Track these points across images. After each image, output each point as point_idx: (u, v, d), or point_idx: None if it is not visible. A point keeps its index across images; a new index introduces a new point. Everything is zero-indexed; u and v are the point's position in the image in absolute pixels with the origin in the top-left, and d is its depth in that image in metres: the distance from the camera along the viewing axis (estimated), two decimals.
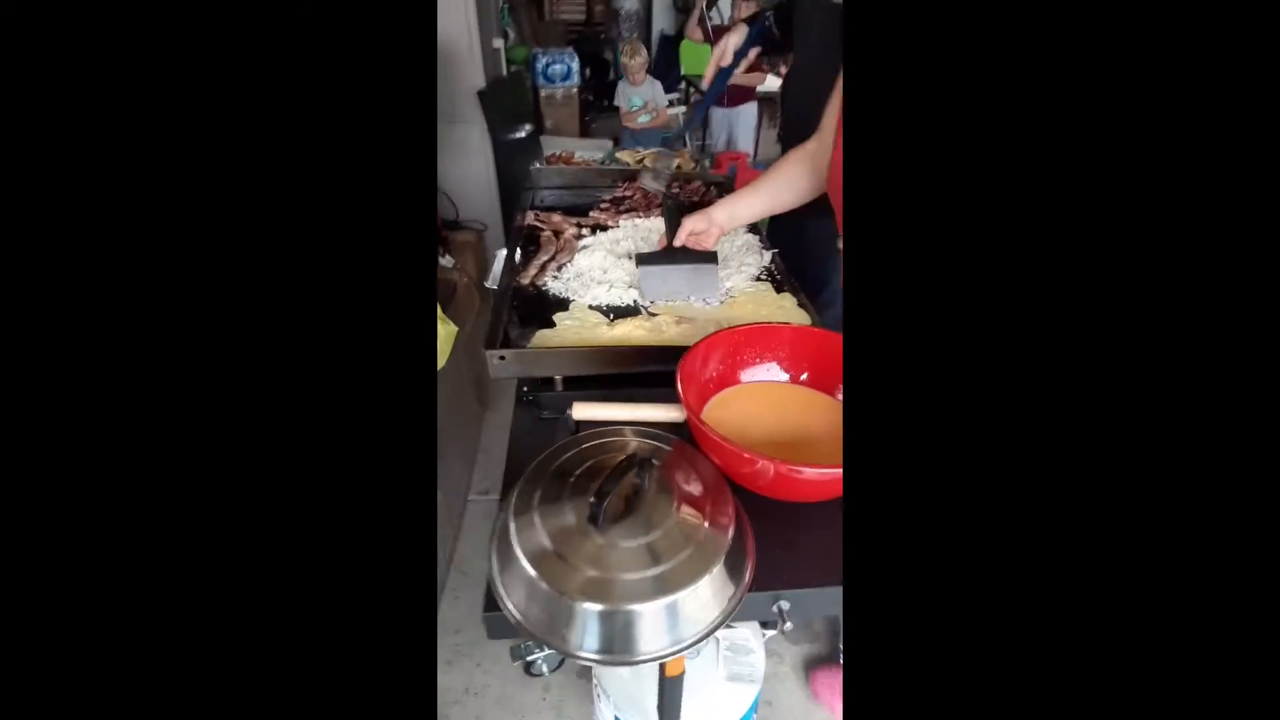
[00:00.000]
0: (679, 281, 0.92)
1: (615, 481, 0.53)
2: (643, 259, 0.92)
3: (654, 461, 0.58)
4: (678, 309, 0.87)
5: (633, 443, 0.63)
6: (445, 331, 1.24)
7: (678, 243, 0.92)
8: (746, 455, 0.54)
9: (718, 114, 3.25)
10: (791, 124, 1.29)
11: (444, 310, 1.43)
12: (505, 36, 2.78)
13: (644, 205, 1.27)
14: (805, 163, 0.88)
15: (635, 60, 3.15)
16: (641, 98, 3.16)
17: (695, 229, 0.93)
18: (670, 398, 0.66)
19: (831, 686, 1.24)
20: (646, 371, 0.76)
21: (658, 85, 3.27)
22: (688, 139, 1.21)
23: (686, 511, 0.55)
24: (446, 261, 1.89)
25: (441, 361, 1.22)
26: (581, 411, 0.67)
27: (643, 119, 3.14)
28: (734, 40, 1.11)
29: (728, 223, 0.94)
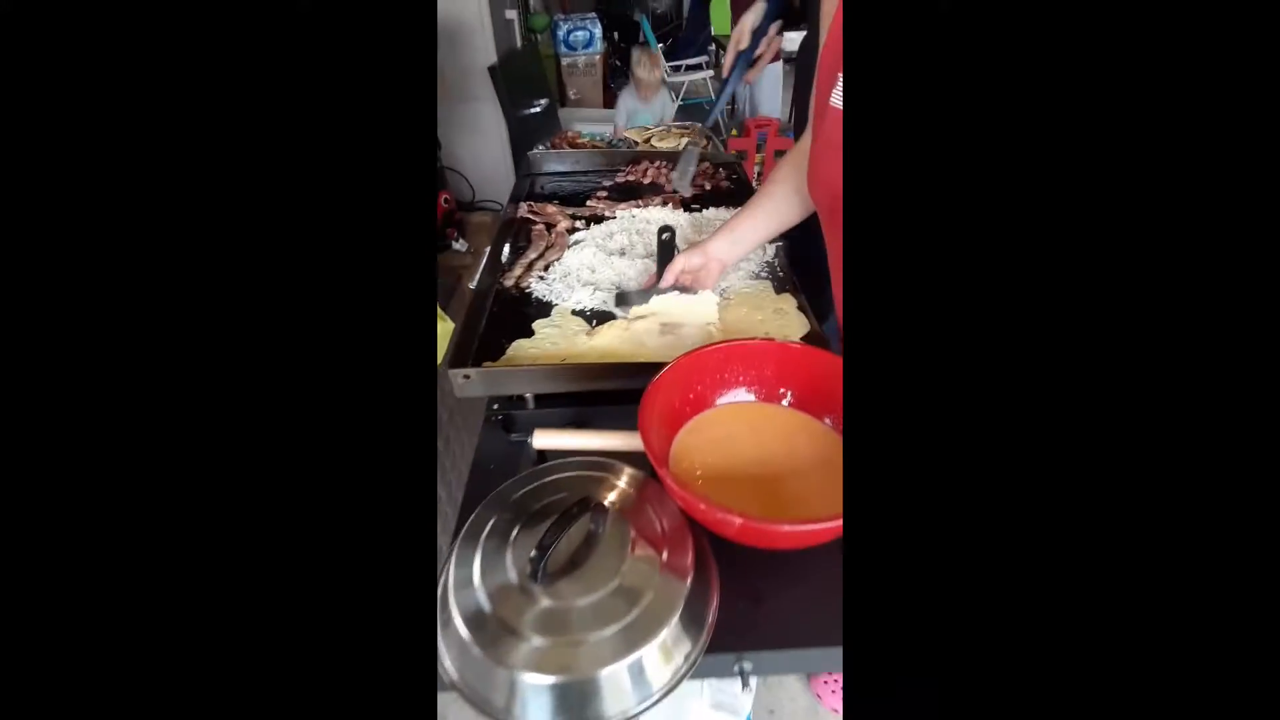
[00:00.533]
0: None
1: (559, 532, 0.49)
2: (621, 300, 0.84)
3: (606, 505, 0.53)
4: (662, 313, 0.81)
5: (592, 478, 0.58)
6: (442, 329, 1.21)
7: (665, 284, 0.82)
8: (704, 507, 0.49)
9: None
10: (802, 98, 1.19)
11: (446, 304, 1.40)
12: (524, 6, 2.67)
13: (651, 189, 1.20)
14: (801, 165, 0.79)
15: (652, 74, 2.66)
16: (652, 116, 2.67)
17: (689, 267, 0.81)
18: None
19: (835, 690, 1.20)
20: (623, 389, 0.70)
21: (669, 100, 2.80)
22: (721, 120, 1.14)
23: (641, 554, 0.51)
24: (460, 246, 1.85)
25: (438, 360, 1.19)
26: (543, 440, 0.62)
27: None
28: (750, 20, 1.01)
29: (729, 255, 0.82)
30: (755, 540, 0.51)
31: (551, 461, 0.60)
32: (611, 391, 0.70)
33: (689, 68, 4.02)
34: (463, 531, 0.53)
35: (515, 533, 0.52)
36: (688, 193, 1.12)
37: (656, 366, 0.65)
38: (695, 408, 0.65)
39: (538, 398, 0.72)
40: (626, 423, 0.72)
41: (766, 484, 0.58)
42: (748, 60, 1.05)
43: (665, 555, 0.51)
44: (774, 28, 1.05)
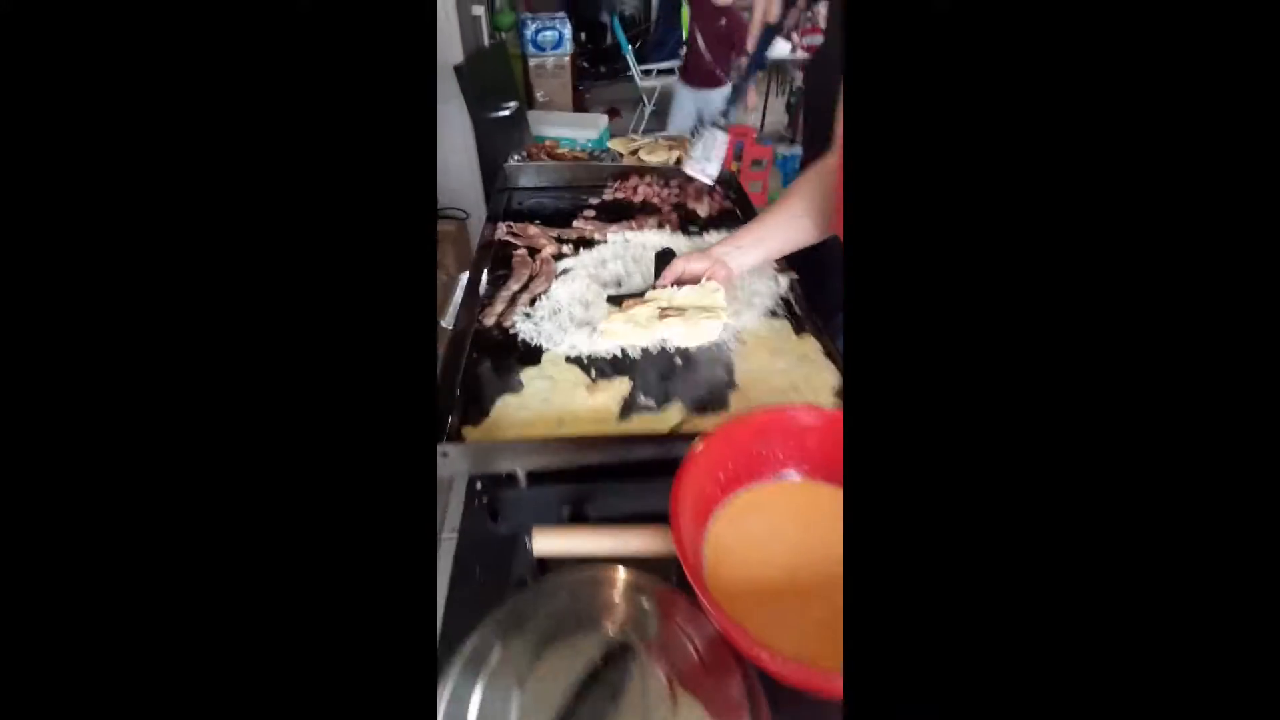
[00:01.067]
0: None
1: (581, 700, 0.37)
2: (614, 303, 0.77)
3: (633, 647, 0.42)
4: (662, 299, 0.71)
5: (612, 598, 0.46)
6: None
7: (664, 283, 0.76)
8: (745, 643, 0.38)
9: (684, 95, 2.81)
10: (813, 115, 1.10)
11: None
12: (490, 3, 2.52)
13: (643, 209, 1.08)
14: (824, 184, 0.70)
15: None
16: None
17: (692, 271, 0.75)
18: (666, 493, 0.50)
19: None
20: (635, 460, 0.59)
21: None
22: (731, 113, 1.03)
23: (682, 700, 0.40)
24: None
25: None
26: (544, 543, 0.50)
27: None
28: None
29: (735, 262, 0.76)
30: (807, 685, 0.41)
31: (560, 574, 0.48)
32: (621, 465, 0.59)
33: (660, 72, 3.92)
34: (459, 658, 0.41)
35: (525, 673, 0.40)
36: (711, 178, 1.03)
37: (673, 441, 0.55)
38: (728, 488, 0.54)
39: (531, 476, 0.60)
40: (640, 502, 0.61)
41: (822, 596, 0.47)
42: (772, 36, 0.94)
43: (708, 699, 0.40)
44: None
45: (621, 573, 0.48)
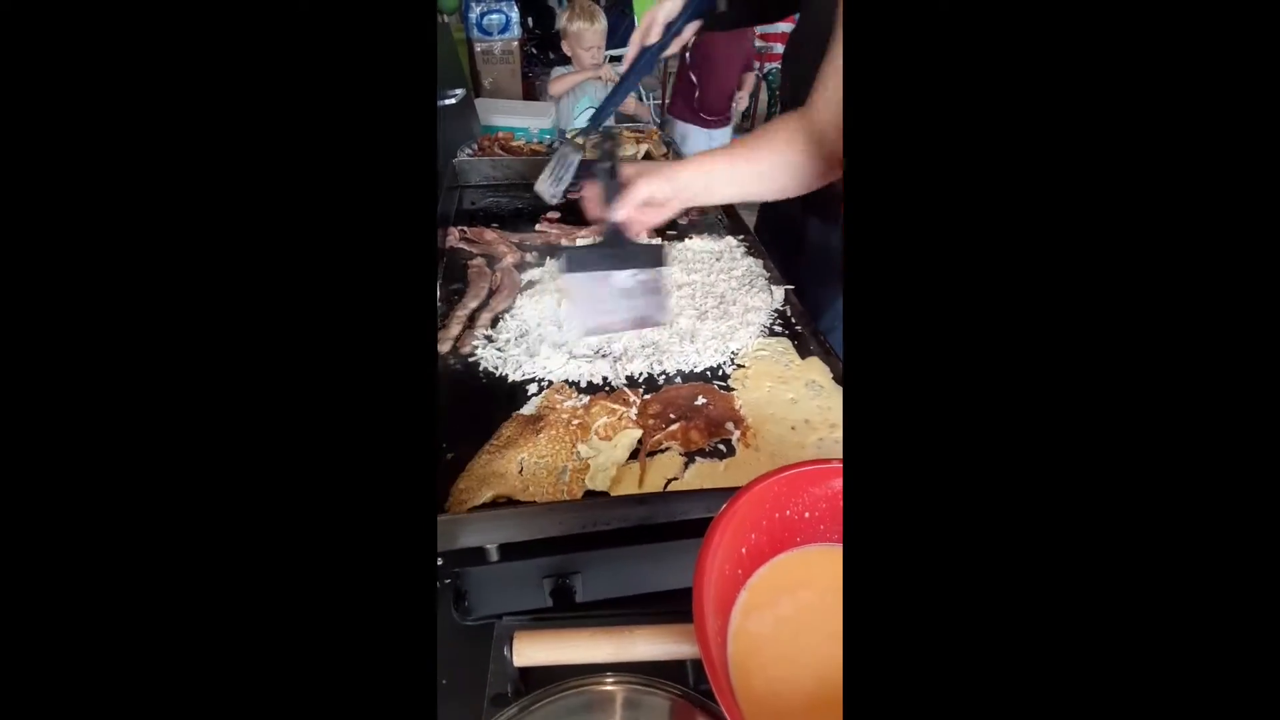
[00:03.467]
0: (613, 301, 0.61)
1: None
2: (571, 261, 0.61)
3: None
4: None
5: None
6: None
7: (621, 214, 0.60)
8: None
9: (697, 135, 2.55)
10: (795, 93, 1.01)
11: None
12: None
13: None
14: (806, 138, 0.60)
15: (591, 27, 2.01)
16: (593, 100, 2.03)
17: (653, 196, 0.61)
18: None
19: None
20: (626, 527, 0.49)
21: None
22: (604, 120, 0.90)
23: None
24: None
25: None
26: (528, 653, 0.39)
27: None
28: (664, 12, 0.80)
29: (701, 194, 0.64)
30: None
31: (550, 698, 0.38)
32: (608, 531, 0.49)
33: (611, 59, 3.79)
34: None
35: None
36: (555, 200, 0.86)
37: (668, 500, 0.45)
38: (753, 563, 0.44)
39: (505, 546, 0.49)
40: (636, 573, 0.51)
41: None
42: (654, 57, 0.85)
43: None
44: (690, 28, 0.84)
45: (624, 691, 0.38)
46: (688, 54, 1.96)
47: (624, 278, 0.60)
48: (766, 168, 0.63)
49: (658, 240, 0.64)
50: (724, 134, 2.58)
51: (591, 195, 0.62)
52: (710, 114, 2.54)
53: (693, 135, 2.54)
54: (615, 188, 0.60)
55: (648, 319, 0.63)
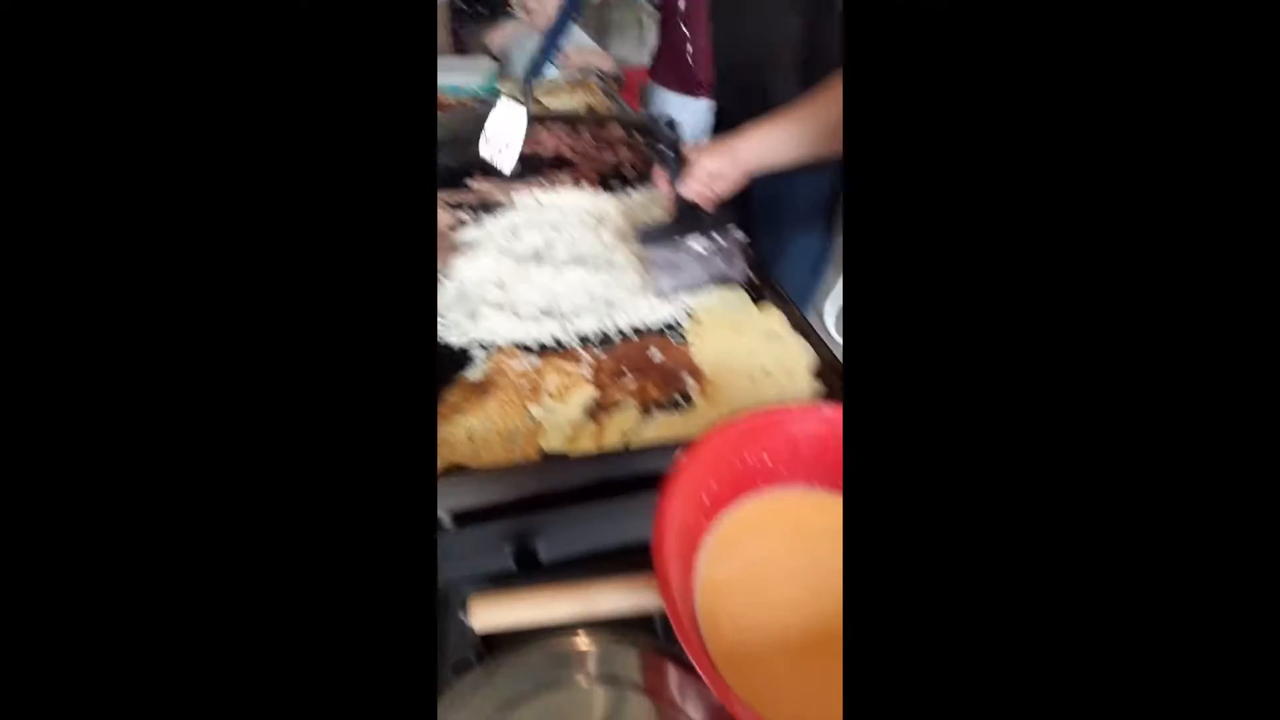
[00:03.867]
0: (690, 265, 0.66)
1: None
2: (649, 236, 0.67)
3: None
4: None
5: (585, 681, 0.35)
6: None
7: (689, 192, 0.65)
8: None
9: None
10: (731, 70, 0.97)
11: None
12: None
13: (554, 164, 0.93)
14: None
15: None
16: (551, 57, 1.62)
17: (713, 169, 0.64)
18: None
19: None
20: (589, 483, 0.48)
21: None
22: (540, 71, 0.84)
23: None
24: None
25: None
26: (487, 616, 0.37)
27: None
28: None
29: (756, 163, 0.65)
30: None
31: (513, 656, 0.36)
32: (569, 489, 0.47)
33: None
34: None
35: None
36: (512, 170, 0.79)
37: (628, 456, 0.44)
38: (714, 510, 0.44)
39: (460, 514, 0.46)
40: (600, 530, 0.50)
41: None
42: (553, 40, 0.81)
43: None
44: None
45: (593, 646, 0.37)
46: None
47: (698, 242, 0.65)
48: (825, 124, 0.62)
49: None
50: (701, 106, 1.57)
51: (660, 174, 0.67)
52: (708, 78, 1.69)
53: (673, 106, 1.63)
54: (677, 166, 0.65)
55: (725, 275, 0.68)
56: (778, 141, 0.64)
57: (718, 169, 0.64)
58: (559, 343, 0.60)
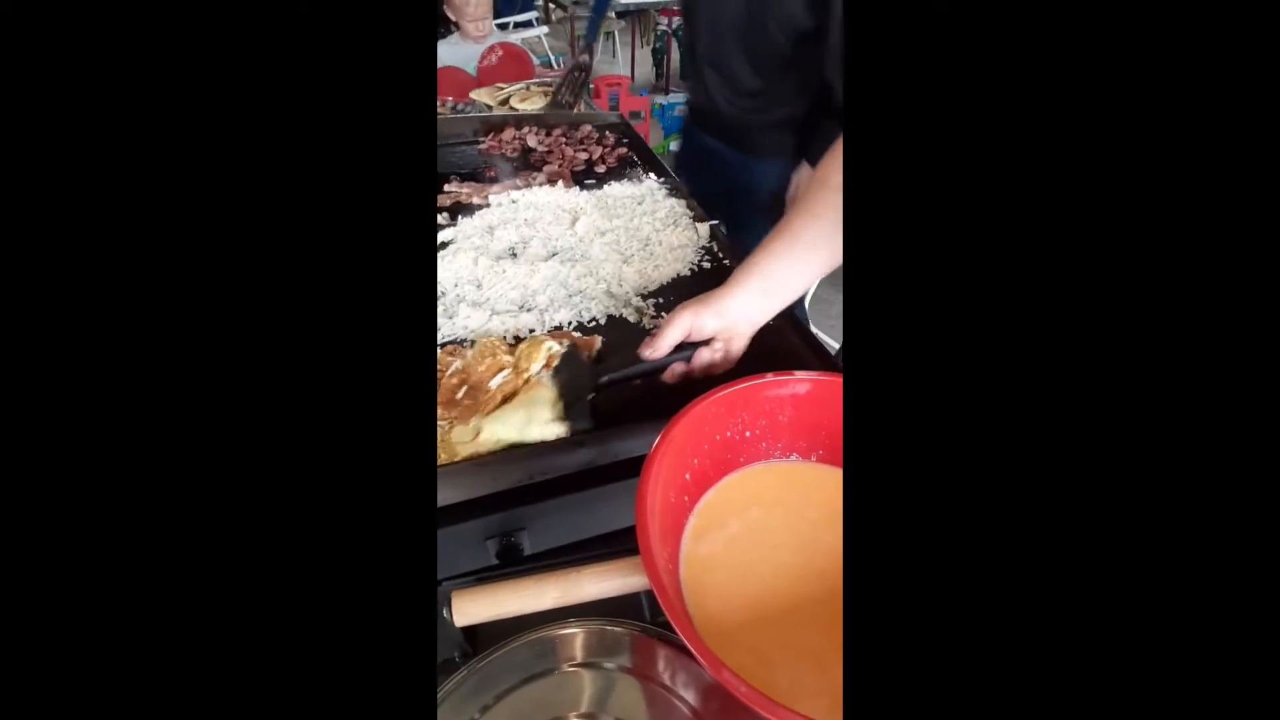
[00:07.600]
0: None
1: None
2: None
3: None
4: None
5: (576, 669, 0.35)
6: None
7: (660, 352, 0.51)
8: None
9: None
10: (702, 71, 0.98)
11: None
12: None
13: (526, 164, 0.93)
14: (839, 198, 0.51)
15: None
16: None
17: (700, 330, 0.52)
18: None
19: None
20: (568, 474, 0.47)
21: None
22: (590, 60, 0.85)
23: None
24: None
25: None
26: (469, 610, 0.37)
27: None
28: None
29: (761, 311, 0.54)
30: None
31: (497, 652, 0.36)
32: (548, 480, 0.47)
33: (518, 25, 3.63)
34: None
35: None
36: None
37: (624, 436, 0.43)
38: (698, 490, 0.43)
39: (449, 509, 0.46)
40: (585, 517, 0.49)
41: (836, 602, 0.38)
42: None
43: None
44: None
45: (579, 633, 0.37)
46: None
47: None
48: (823, 241, 0.53)
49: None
50: None
51: (649, 342, 0.52)
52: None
53: None
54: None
55: None
56: (781, 275, 0.53)
57: (711, 328, 0.52)
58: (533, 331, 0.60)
